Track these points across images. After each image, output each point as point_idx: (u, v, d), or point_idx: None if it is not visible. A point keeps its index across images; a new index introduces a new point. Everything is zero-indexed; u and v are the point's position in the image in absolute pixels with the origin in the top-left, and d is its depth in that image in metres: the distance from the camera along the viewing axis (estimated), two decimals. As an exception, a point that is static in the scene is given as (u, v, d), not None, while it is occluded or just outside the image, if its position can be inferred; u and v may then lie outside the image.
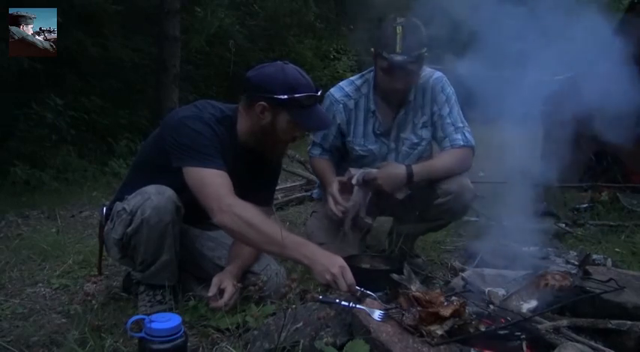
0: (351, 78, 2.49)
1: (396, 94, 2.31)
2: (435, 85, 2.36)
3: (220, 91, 9.81)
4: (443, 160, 2.33)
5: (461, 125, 2.35)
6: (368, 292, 1.69)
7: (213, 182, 1.71)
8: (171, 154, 1.76)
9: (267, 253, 1.94)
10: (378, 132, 2.41)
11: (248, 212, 1.70)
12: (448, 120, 2.34)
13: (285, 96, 1.77)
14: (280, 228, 1.71)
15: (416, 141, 2.40)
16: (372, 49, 2.25)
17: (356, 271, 2.02)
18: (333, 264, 1.65)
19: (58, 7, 3.22)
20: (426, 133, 2.40)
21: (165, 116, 1.98)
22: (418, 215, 2.38)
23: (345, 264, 1.68)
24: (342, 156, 2.52)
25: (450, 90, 2.38)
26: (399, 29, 2.14)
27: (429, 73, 2.39)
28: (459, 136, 2.32)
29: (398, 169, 2.25)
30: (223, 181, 1.72)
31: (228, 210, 1.68)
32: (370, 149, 2.41)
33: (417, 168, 2.25)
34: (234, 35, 9.69)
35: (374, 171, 2.25)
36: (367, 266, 2.09)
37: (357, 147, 2.41)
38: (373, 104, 2.38)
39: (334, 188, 2.25)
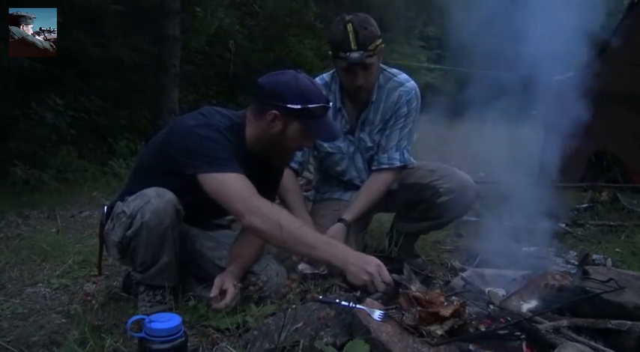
0: (322, 75, 2.48)
1: (360, 92, 2.31)
2: (401, 96, 2.35)
3: (220, 91, 9.82)
4: (370, 194, 2.36)
5: (405, 143, 2.38)
6: (397, 276, 1.73)
7: (235, 185, 1.69)
8: (183, 162, 1.73)
9: (295, 254, 1.94)
10: (345, 130, 2.42)
11: (277, 212, 1.72)
12: (396, 135, 2.37)
13: (299, 106, 1.75)
14: (311, 229, 1.71)
15: (370, 145, 2.42)
16: (330, 53, 2.27)
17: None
18: (367, 262, 1.65)
19: (58, 7, 3.22)
20: (378, 138, 2.41)
21: (170, 123, 1.94)
22: (420, 214, 2.38)
23: (380, 262, 1.66)
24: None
25: (415, 105, 2.37)
26: (349, 27, 2.14)
27: (401, 81, 2.38)
28: (397, 156, 2.36)
29: (336, 229, 2.25)
30: (245, 184, 1.71)
31: (257, 211, 1.67)
32: (339, 146, 2.43)
33: (349, 216, 2.29)
34: (234, 35, 9.68)
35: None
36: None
37: (325, 144, 2.42)
38: (340, 102, 2.39)
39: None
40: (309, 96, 1.77)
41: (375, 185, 2.37)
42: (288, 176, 2.35)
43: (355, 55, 2.14)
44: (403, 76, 2.40)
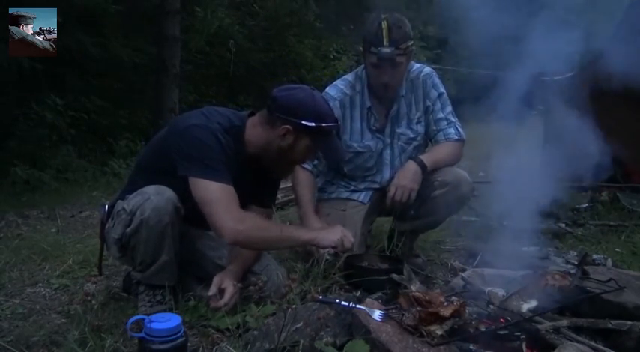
0: (345, 76, 2.53)
1: (388, 89, 2.35)
2: (426, 81, 2.44)
3: (220, 91, 9.80)
4: (443, 151, 2.41)
5: (453, 120, 2.45)
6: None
7: (220, 195, 1.72)
8: (178, 162, 1.75)
9: (277, 249, 2.03)
10: (374, 128, 2.45)
11: (255, 220, 1.79)
12: (441, 115, 2.44)
13: (313, 124, 1.79)
14: (284, 225, 1.82)
15: (412, 136, 2.46)
16: (361, 48, 2.32)
17: (356, 270, 2.04)
18: (334, 227, 1.94)
19: (58, 7, 3.21)
20: (420, 128, 2.47)
21: (172, 120, 1.99)
22: (416, 211, 2.39)
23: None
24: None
25: (441, 86, 2.46)
26: (384, 24, 2.20)
27: (419, 68, 2.46)
28: (452, 130, 2.42)
29: (411, 167, 2.28)
30: (230, 196, 1.73)
31: (238, 221, 1.71)
32: (368, 144, 2.45)
33: (424, 158, 2.32)
34: (234, 35, 9.67)
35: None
36: (366, 265, 2.10)
37: (355, 144, 2.43)
38: (369, 100, 2.42)
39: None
40: (323, 116, 1.82)
41: (441, 148, 2.42)
42: (304, 174, 2.39)
43: (386, 50, 2.19)
44: (416, 65, 2.48)
